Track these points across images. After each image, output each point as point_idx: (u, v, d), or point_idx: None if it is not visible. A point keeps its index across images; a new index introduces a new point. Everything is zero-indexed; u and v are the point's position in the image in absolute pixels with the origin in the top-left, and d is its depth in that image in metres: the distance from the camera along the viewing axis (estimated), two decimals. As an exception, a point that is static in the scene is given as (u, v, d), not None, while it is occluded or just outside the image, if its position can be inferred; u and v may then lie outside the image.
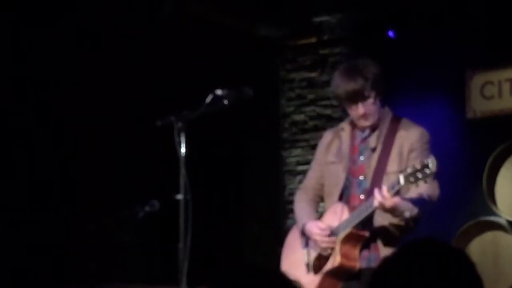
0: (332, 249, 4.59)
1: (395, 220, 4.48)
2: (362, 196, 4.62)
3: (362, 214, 4.51)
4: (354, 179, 4.69)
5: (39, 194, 6.84)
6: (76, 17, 6.98)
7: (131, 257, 7.52)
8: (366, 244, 4.56)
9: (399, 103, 7.12)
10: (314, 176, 4.90)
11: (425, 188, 4.42)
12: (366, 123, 4.67)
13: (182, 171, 4.52)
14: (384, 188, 4.37)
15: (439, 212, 6.77)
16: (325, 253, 4.63)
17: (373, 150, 4.65)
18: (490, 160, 6.70)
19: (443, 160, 6.94)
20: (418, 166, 4.23)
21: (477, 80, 6.97)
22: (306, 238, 4.75)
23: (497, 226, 6.68)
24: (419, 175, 4.22)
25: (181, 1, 7.21)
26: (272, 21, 7.68)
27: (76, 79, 7.09)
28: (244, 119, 7.77)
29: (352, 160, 4.71)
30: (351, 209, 4.59)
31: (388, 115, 4.73)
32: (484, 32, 6.80)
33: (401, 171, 4.34)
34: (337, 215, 4.63)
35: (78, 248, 6.64)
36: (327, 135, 4.91)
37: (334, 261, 4.57)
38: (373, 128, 4.69)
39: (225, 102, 4.63)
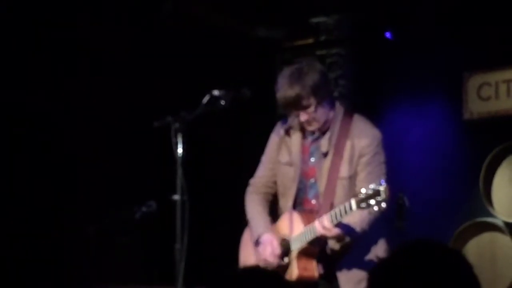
0: (289, 262, 4.54)
1: (335, 246, 4.42)
2: (313, 201, 4.55)
3: (309, 236, 4.44)
4: (306, 181, 4.59)
5: (38, 195, 6.83)
6: (75, 18, 6.98)
7: (128, 257, 7.51)
8: (322, 253, 4.50)
9: (396, 104, 7.16)
10: (267, 174, 4.79)
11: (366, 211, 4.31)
12: (310, 128, 4.54)
13: (179, 171, 4.52)
14: (325, 220, 4.30)
15: (437, 213, 6.80)
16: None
17: (325, 155, 4.53)
18: (487, 161, 6.70)
19: (440, 161, 7.00)
20: (370, 192, 4.13)
21: (474, 81, 6.97)
22: None
23: (494, 227, 6.68)
24: (371, 201, 4.13)
25: (180, 1, 7.21)
26: (269, 22, 7.67)
27: (74, 79, 7.08)
28: (241, 120, 7.75)
29: (303, 161, 4.60)
30: (305, 219, 4.49)
31: (339, 113, 4.57)
32: (481, 34, 6.79)
33: (353, 195, 4.23)
34: (290, 226, 4.55)
35: (76, 249, 6.65)
36: (278, 132, 4.76)
37: (292, 274, 4.51)
38: (324, 130, 4.56)
39: (222, 102, 4.62)
